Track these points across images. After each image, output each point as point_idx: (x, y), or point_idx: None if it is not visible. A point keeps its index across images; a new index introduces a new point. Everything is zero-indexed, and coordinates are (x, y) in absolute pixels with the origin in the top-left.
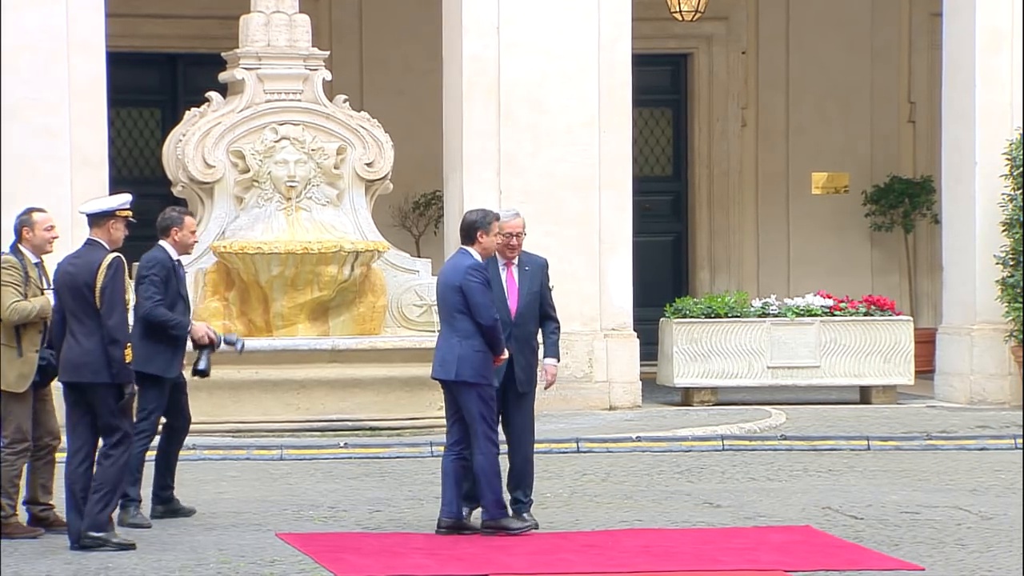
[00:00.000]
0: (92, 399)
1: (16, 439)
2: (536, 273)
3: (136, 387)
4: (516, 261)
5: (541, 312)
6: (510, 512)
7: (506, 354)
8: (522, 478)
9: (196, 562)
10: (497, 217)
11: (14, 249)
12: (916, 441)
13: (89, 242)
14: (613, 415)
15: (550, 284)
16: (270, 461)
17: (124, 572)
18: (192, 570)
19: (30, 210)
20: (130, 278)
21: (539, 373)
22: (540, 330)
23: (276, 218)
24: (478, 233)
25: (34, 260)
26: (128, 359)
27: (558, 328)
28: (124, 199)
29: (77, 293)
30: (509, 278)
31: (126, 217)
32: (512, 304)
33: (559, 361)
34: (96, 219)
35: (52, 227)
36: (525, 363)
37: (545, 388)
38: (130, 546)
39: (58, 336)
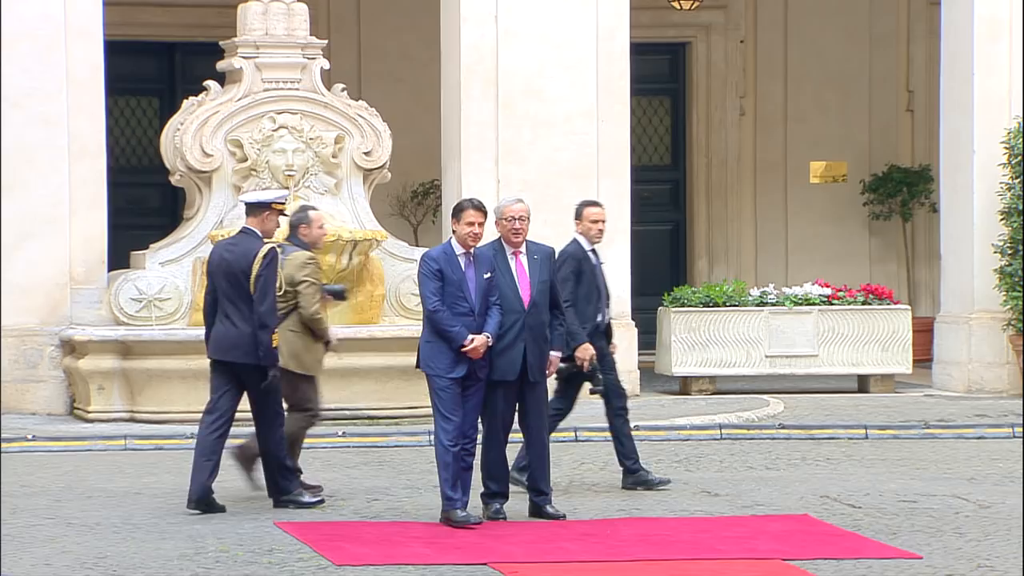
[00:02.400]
0: (242, 378)
1: (308, 409)
2: (545, 262)
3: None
4: (524, 250)
5: (555, 302)
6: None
7: (473, 343)
8: (541, 469)
9: (195, 550)
10: (470, 206)
11: (300, 244)
12: (914, 430)
13: (244, 230)
14: None
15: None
16: None
17: (123, 560)
18: (190, 558)
19: (306, 207)
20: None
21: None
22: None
23: None
24: (452, 221)
25: None
26: (275, 344)
27: (564, 319)
28: (280, 193)
29: (233, 279)
30: (519, 267)
31: (280, 210)
32: (524, 293)
33: (563, 352)
34: (253, 209)
35: (323, 225)
36: (538, 352)
37: (547, 376)
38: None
39: (209, 316)
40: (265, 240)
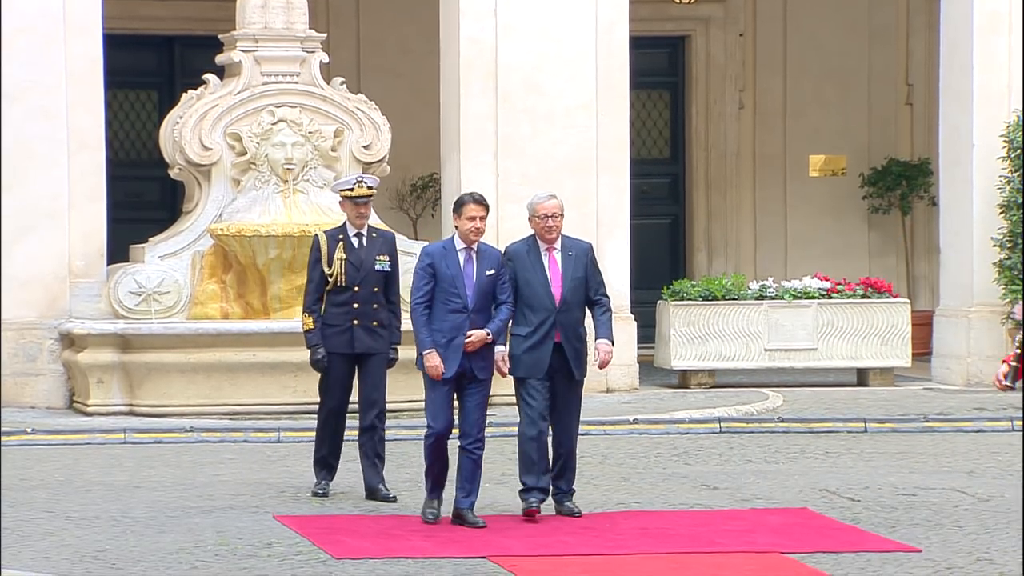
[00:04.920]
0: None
1: None
2: (580, 258)
3: (322, 355)
4: (558, 246)
5: (589, 297)
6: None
7: (432, 355)
8: (565, 468)
9: (194, 544)
10: (470, 200)
11: None
12: (913, 423)
13: None
14: (610, 397)
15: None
16: (268, 443)
17: (122, 553)
18: (190, 552)
19: None
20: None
21: (592, 354)
22: (591, 314)
23: (273, 200)
24: (454, 217)
25: None
26: (303, 327)
27: (609, 309)
28: (344, 180)
29: None
30: (552, 263)
31: (349, 196)
32: (556, 290)
33: (613, 343)
34: None
35: None
36: (572, 351)
37: (600, 367)
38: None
39: None
40: (340, 226)
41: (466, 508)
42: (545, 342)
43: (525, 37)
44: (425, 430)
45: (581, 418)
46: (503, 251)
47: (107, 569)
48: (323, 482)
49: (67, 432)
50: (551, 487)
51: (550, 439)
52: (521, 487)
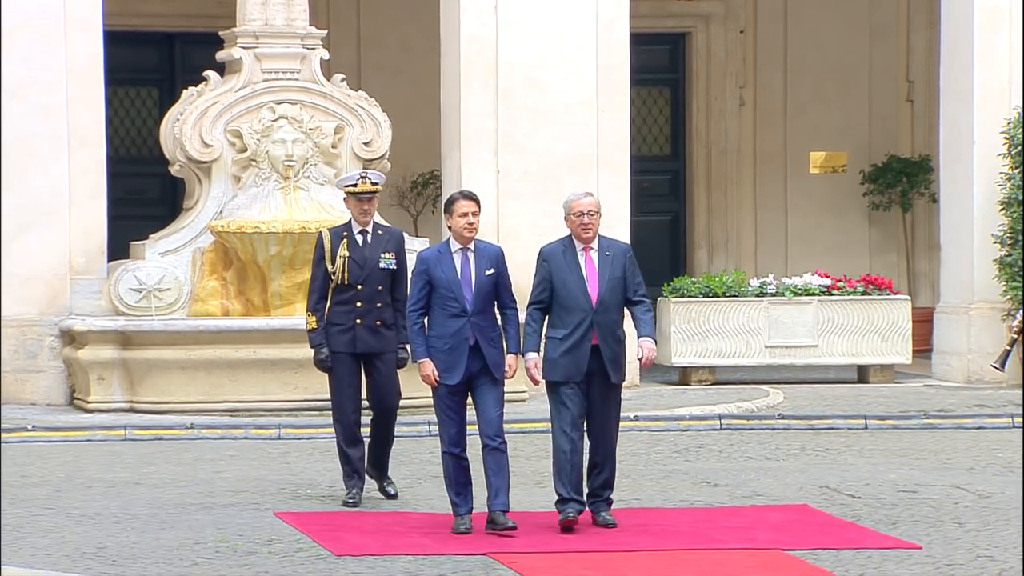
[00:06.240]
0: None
1: None
2: (619, 258)
3: (325, 355)
4: (595, 246)
5: (629, 298)
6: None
7: (426, 363)
8: (605, 474)
9: (194, 540)
10: (460, 196)
11: None
12: (914, 420)
13: None
14: None
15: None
16: (268, 440)
17: (123, 549)
18: (190, 548)
19: None
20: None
21: (635, 351)
22: (631, 313)
23: (274, 197)
24: (445, 217)
25: None
26: (307, 327)
27: (651, 309)
28: (347, 176)
29: None
30: (588, 263)
31: (352, 192)
32: (593, 291)
33: (656, 341)
34: None
35: None
36: (611, 353)
37: (644, 366)
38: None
39: None
40: (346, 223)
41: (497, 510)
42: (583, 344)
43: (525, 34)
44: (441, 443)
45: None
46: (538, 252)
47: (107, 566)
48: (354, 491)
49: (68, 429)
50: (589, 494)
51: (586, 446)
52: (557, 498)
